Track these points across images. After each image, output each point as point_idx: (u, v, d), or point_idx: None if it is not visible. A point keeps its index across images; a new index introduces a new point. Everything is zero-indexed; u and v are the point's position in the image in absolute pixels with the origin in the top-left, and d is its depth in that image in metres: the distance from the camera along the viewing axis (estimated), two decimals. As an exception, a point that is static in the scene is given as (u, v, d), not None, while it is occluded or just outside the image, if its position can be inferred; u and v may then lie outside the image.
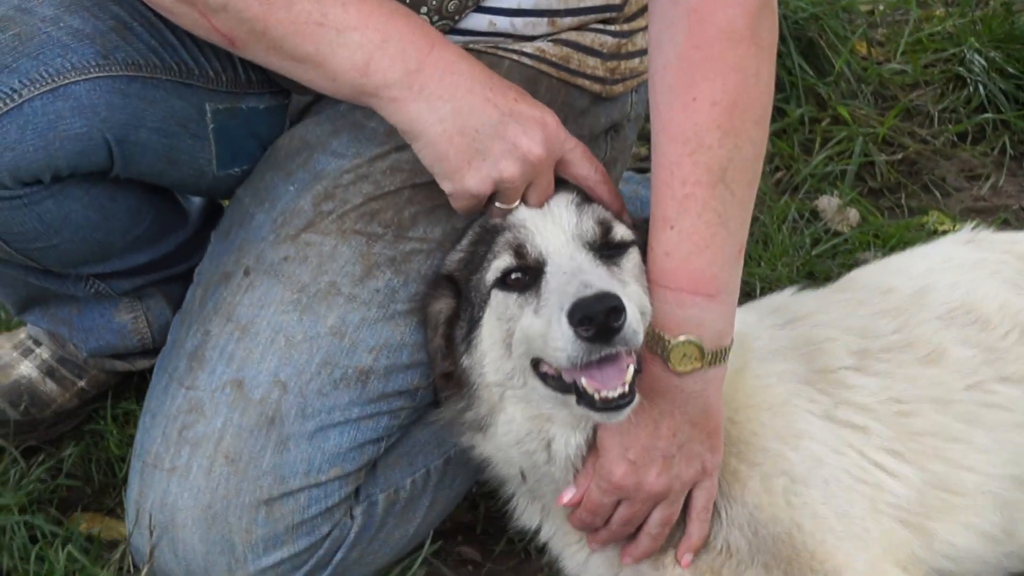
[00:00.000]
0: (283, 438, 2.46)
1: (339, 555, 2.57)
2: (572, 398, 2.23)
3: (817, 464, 2.45)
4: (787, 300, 2.82)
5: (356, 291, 2.50)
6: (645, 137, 2.77)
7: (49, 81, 2.36)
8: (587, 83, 2.67)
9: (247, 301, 2.52)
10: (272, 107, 2.71)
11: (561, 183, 2.47)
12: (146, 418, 2.58)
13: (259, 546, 2.48)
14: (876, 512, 2.46)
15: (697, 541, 2.46)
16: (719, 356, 2.33)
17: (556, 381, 2.27)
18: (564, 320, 2.13)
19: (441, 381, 2.50)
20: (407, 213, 2.53)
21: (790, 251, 3.70)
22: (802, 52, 4.41)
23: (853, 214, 3.95)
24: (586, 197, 2.45)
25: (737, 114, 2.27)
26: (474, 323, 2.40)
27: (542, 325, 2.22)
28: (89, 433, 3.10)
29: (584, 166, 2.47)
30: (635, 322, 2.15)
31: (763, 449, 2.46)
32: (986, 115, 4.37)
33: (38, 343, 3.10)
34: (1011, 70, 4.44)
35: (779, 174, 4.15)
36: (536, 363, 2.31)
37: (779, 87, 4.34)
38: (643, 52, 2.72)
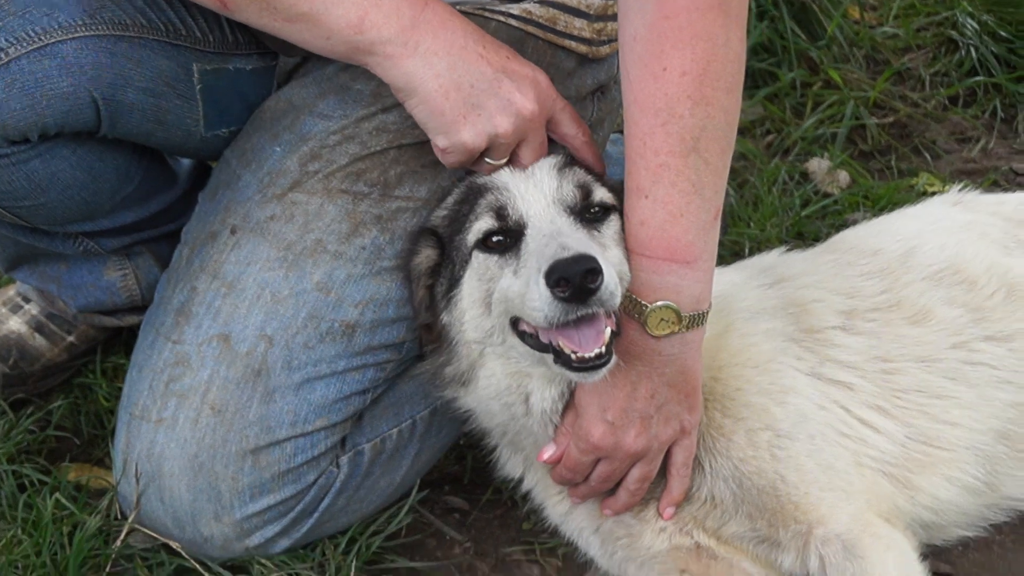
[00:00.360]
0: (269, 390, 2.49)
1: (325, 502, 2.60)
2: (550, 356, 2.25)
3: (802, 419, 2.48)
4: (775, 260, 2.83)
5: (342, 248, 2.52)
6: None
7: (36, 40, 2.36)
8: (574, 44, 2.66)
9: (233, 259, 2.54)
10: (259, 68, 2.72)
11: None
12: (133, 371, 2.60)
13: (245, 493, 2.51)
14: (860, 466, 2.48)
15: (677, 496, 2.49)
16: (696, 320, 2.34)
17: (534, 339, 2.30)
18: (542, 281, 2.15)
19: (424, 332, 2.53)
20: (393, 173, 2.54)
21: (780, 212, 3.71)
22: (794, 16, 4.40)
23: (843, 176, 3.95)
24: (569, 160, 2.47)
25: (708, 83, 2.26)
26: (455, 281, 2.42)
27: (521, 286, 2.24)
28: (78, 386, 3.13)
29: (571, 126, 2.48)
30: (612, 284, 2.16)
31: (747, 404, 2.49)
32: (977, 78, 4.36)
33: (27, 300, 3.12)
34: (1003, 34, 4.44)
35: (770, 137, 4.15)
36: (515, 321, 2.33)
37: (771, 51, 4.34)
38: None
